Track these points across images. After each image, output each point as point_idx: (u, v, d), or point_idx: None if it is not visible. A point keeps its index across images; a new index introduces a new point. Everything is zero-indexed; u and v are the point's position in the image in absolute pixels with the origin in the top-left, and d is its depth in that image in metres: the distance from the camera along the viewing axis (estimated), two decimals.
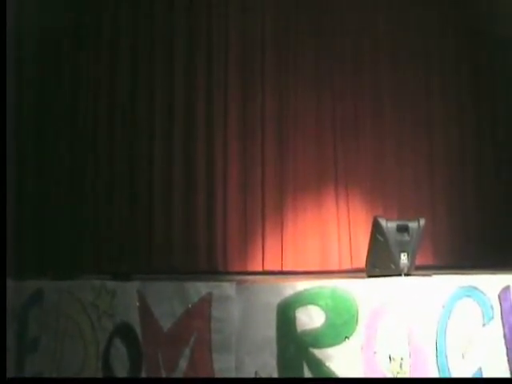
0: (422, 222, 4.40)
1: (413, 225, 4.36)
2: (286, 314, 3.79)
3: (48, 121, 6.25)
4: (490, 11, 6.77)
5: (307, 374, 3.73)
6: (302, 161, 6.52)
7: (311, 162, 6.54)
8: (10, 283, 4.36)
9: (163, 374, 3.86)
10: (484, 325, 4.06)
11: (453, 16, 7.05)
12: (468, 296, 4.05)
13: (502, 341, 4.06)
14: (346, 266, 6.37)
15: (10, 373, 4.19)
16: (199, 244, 6.16)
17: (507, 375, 4.00)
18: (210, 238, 6.19)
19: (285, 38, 6.59)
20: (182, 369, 3.83)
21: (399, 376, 3.83)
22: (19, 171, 5.85)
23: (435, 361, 3.90)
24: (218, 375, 3.76)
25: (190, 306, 3.88)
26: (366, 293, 3.89)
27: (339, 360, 3.75)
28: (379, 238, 4.31)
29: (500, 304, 4.09)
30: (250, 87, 6.45)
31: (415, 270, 4.38)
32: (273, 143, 6.45)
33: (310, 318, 3.79)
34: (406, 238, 4.31)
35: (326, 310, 3.79)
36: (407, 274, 4.25)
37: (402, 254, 4.26)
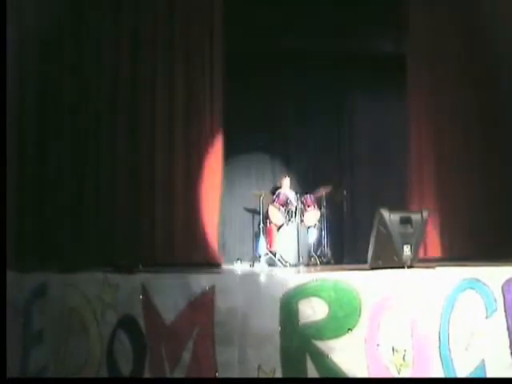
0: (426, 214, 4.38)
1: (416, 217, 4.35)
2: (289, 306, 3.80)
3: (50, 115, 6.25)
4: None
5: (310, 366, 3.74)
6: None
7: None
8: (14, 277, 4.38)
9: (166, 367, 3.88)
10: (487, 317, 4.04)
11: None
12: (471, 288, 4.03)
13: (506, 333, 4.04)
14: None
15: (16, 366, 4.21)
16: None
17: (510, 367, 4.00)
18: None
19: None
20: (185, 361, 3.85)
21: (402, 368, 3.83)
22: (22, 163, 5.85)
23: (438, 353, 3.90)
24: (220, 368, 3.78)
25: (192, 298, 3.89)
26: (369, 285, 3.89)
27: (342, 352, 3.76)
28: (382, 230, 4.30)
29: (503, 296, 4.07)
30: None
31: (419, 262, 4.37)
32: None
33: (313, 310, 3.79)
34: (409, 230, 4.30)
35: (328, 302, 3.80)
36: (410, 267, 4.24)
37: (405, 246, 4.25)
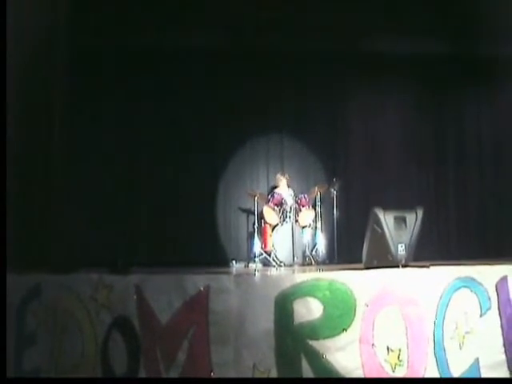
0: (420, 212, 4.39)
1: (410, 216, 4.36)
2: (283, 306, 3.80)
3: (49, 115, 6.24)
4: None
5: (305, 366, 3.74)
6: None
7: None
8: (8, 278, 4.36)
9: (162, 367, 3.87)
10: (481, 315, 4.06)
11: None
12: (465, 287, 4.05)
13: (499, 331, 4.07)
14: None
15: (9, 367, 4.19)
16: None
17: (504, 366, 4.02)
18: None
19: None
20: (180, 361, 3.85)
21: (397, 367, 3.84)
22: (18, 167, 5.82)
23: (433, 351, 3.92)
24: (216, 368, 3.78)
25: (187, 298, 3.88)
26: (364, 284, 3.90)
27: (337, 352, 3.77)
28: (377, 229, 4.31)
29: (497, 295, 4.10)
30: None
31: (413, 260, 4.38)
32: None
33: (308, 310, 3.80)
34: (404, 229, 4.31)
35: (323, 301, 3.80)
36: (405, 266, 4.25)
37: (400, 246, 4.26)
